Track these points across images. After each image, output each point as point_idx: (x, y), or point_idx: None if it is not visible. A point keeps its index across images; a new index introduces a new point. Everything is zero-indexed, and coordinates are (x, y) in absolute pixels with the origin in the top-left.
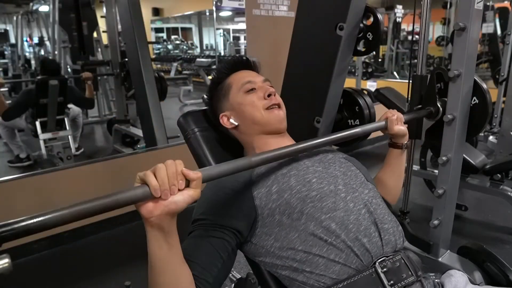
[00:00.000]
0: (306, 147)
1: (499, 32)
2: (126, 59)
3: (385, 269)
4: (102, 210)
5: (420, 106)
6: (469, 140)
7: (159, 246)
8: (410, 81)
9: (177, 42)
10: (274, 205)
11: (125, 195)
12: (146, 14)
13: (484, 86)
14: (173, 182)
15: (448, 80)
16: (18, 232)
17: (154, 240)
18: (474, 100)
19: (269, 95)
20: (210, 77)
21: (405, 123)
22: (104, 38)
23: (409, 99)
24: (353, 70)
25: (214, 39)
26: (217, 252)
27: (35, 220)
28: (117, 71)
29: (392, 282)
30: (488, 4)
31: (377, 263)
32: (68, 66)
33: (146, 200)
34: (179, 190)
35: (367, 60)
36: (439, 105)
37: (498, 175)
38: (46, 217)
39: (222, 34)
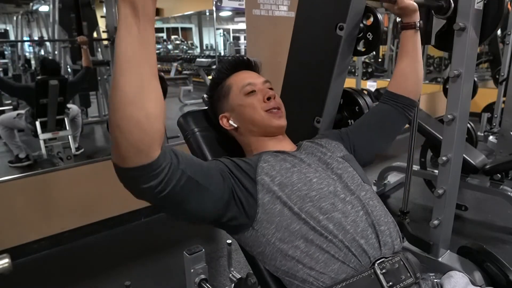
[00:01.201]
0: None
1: (499, 32)
2: None
3: (384, 271)
4: None
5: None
6: (469, 138)
7: (128, 31)
8: None
9: (177, 42)
10: (275, 196)
11: None
12: None
13: None
14: None
15: None
16: None
17: (123, 22)
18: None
19: (268, 98)
20: (210, 77)
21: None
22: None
23: None
24: (353, 70)
25: (214, 39)
26: (212, 173)
27: None
28: (113, 37)
29: (391, 283)
30: None
31: (376, 264)
32: (68, 66)
33: None
34: None
35: (367, 60)
36: (451, 0)
37: (498, 175)
38: None
39: (222, 34)
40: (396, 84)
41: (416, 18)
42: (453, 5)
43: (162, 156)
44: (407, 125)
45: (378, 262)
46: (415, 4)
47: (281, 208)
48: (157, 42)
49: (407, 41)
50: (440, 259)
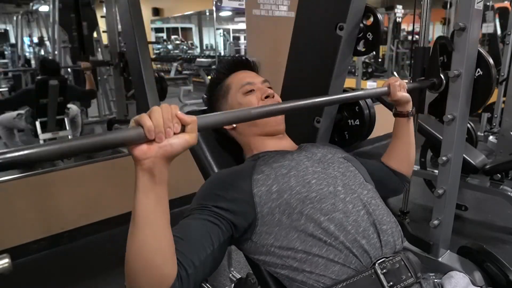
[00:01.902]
0: (306, 105)
1: (499, 32)
2: (124, 49)
3: (384, 271)
4: (93, 149)
5: (423, 78)
6: (469, 139)
7: (146, 196)
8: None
9: (177, 42)
10: (274, 205)
11: (118, 134)
12: (146, 14)
13: (490, 60)
14: (168, 125)
15: (451, 50)
16: (3, 164)
17: (142, 186)
18: (478, 72)
19: (267, 97)
20: (210, 77)
21: (407, 93)
22: (104, 38)
23: (411, 72)
24: (353, 70)
25: (214, 39)
26: (209, 236)
27: (21, 153)
28: (115, 61)
29: (391, 283)
30: (488, 4)
31: (376, 264)
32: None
33: (140, 142)
34: (174, 133)
35: (367, 60)
36: (442, 77)
37: (498, 175)
38: (33, 150)
39: (222, 34)
40: (389, 160)
41: (409, 107)
42: (445, 81)
43: (177, 275)
44: None
45: (378, 262)
46: (407, 96)
47: (280, 217)
48: (157, 42)
49: (400, 127)
50: (440, 259)
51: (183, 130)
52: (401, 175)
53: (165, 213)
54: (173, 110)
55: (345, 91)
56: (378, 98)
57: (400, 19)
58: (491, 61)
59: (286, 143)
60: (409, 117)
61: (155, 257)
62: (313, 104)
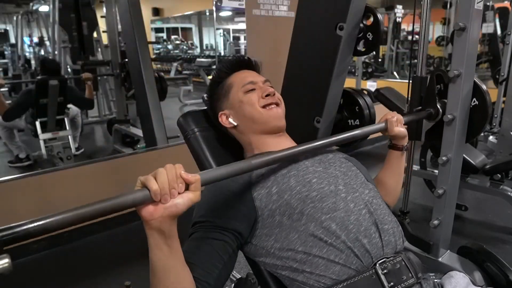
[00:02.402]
0: (306, 149)
1: (499, 32)
2: (126, 60)
3: (385, 271)
4: (103, 214)
5: (420, 107)
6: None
7: (160, 249)
8: (410, 82)
9: (177, 42)
10: (274, 206)
11: (126, 198)
12: (146, 14)
13: (484, 87)
14: (173, 186)
15: (447, 82)
16: (18, 236)
17: (154, 243)
18: (474, 102)
19: (267, 95)
20: (210, 77)
21: (405, 124)
22: (104, 38)
23: (409, 100)
24: (353, 70)
25: (214, 39)
26: (217, 254)
27: (35, 224)
28: (117, 72)
29: (392, 284)
30: (488, 4)
31: (377, 265)
32: (68, 66)
33: (147, 203)
34: (179, 193)
35: (367, 60)
36: (438, 107)
37: (498, 175)
38: (47, 221)
39: (222, 34)
40: (378, 186)
41: (404, 142)
42: (441, 111)
43: None
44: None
45: (379, 262)
46: (404, 131)
47: (280, 219)
48: (157, 42)
49: (393, 160)
50: (440, 259)
51: (187, 188)
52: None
53: (179, 256)
54: (177, 170)
55: (345, 91)
56: (378, 97)
57: (400, 19)
58: (484, 87)
59: (286, 142)
60: (403, 151)
61: None
62: (307, 149)
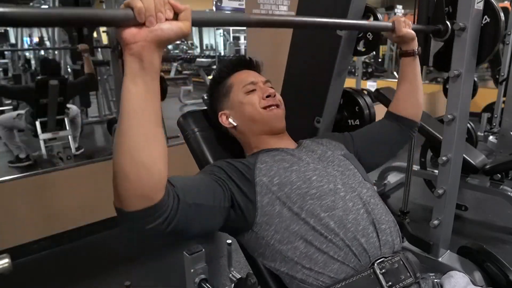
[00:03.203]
0: (310, 22)
1: None
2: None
3: (383, 270)
4: (78, 21)
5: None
6: (469, 139)
7: (134, 83)
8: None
9: (177, 42)
10: (274, 196)
11: (106, 12)
12: None
13: (496, 4)
14: (159, 9)
15: None
16: None
17: (130, 73)
18: (485, 19)
19: (268, 96)
20: (210, 77)
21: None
22: (104, 38)
23: (415, 21)
24: (353, 70)
25: (214, 39)
26: (212, 191)
27: (9, 10)
28: (113, 44)
29: (390, 283)
30: None
31: (375, 264)
32: (68, 66)
33: (129, 25)
34: (166, 20)
35: (367, 60)
36: (448, 23)
37: (498, 175)
38: (20, 10)
39: (222, 34)
40: (397, 106)
41: (415, 45)
42: (450, 28)
43: (165, 195)
44: None
45: (377, 262)
46: (412, 32)
47: (280, 209)
48: None
49: (406, 67)
50: (440, 259)
51: (176, 18)
52: (408, 121)
53: (155, 107)
54: None
55: (345, 91)
56: (378, 97)
57: None
58: (497, 5)
59: (286, 142)
60: (415, 56)
61: (141, 153)
62: (326, 23)
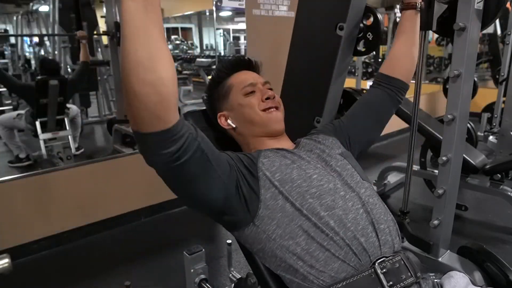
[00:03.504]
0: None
1: (499, 32)
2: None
3: (384, 270)
4: None
5: None
6: (469, 139)
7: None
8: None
9: (177, 42)
10: (277, 191)
11: None
12: None
13: None
14: None
15: None
16: None
17: None
18: None
19: (267, 98)
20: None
21: None
22: (104, 38)
23: None
24: (353, 70)
25: (214, 39)
26: (219, 153)
27: None
28: (112, 32)
29: (391, 283)
30: None
31: (376, 264)
32: (68, 66)
33: None
34: None
35: (367, 60)
36: None
37: (498, 175)
38: None
39: (222, 34)
40: (390, 65)
41: None
42: None
43: (181, 122)
44: (407, 125)
45: (378, 261)
46: None
47: (283, 204)
48: None
49: (406, 21)
50: (440, 259)
51: None
52: (399, 82)
53: (156, 22)
54: None
55: (345, 91)
56: None
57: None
58: None
59: (285, 143)
60: (417, 9)
61: (146, 72)
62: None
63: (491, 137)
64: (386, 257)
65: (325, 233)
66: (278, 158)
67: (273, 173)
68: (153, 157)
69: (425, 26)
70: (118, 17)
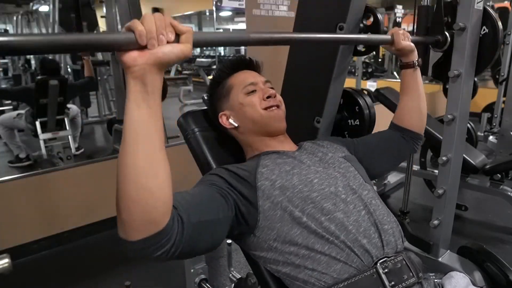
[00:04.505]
0: (309, 39)
1: None
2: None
3: (386, 270)
4: (78, 47)
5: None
6: (469, 139)
7: (137, 106)
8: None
9: None
10: (276, 200)
11: (108, 37)
12: None
13: (495, 14)
14: (161, 32)
15: (456, 4)
16: None
17: (133, 96)
18: (484, 30)
19: (268, 97)
20: (210, 77)
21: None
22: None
23: (414, 31)
24: (353, 70)
25: None
26: (215, 204)
27: (3, 38)
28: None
29: (393, 283)
30: (488, 4)
31: (378, 264)
32: (68, 66)
33: (130, 49)
34: (168, 42)
35: (367, 60)
36: (447, 34)
37: (498, 175)
38: (14, 38)
39: None
40: (400, 118)
41: (414, 57)
42: (449, 39)
43: (170, 219)
44: None
45: (380, 261)
46: (411, 44)
47: (282, 214)
48: None
49: (407, 79)
50: (440, 259)
51: (177, 41)
52: (412, 133)
53: (158, 130)
54: (167, 18)
55: (345, 91)
56: (378, 97)
57: (400, 19)
58: (495, 14)
59: (286, 144)
60: (415, 67)
61: (147, 178)
62: (322, 39)
63: (491, 137)
64: (388, 257)
65: (324, 238)
66: (277, 166)
67: (273, 181)
68: (150, 259)
69: (421, 71)
70: (118, 17)
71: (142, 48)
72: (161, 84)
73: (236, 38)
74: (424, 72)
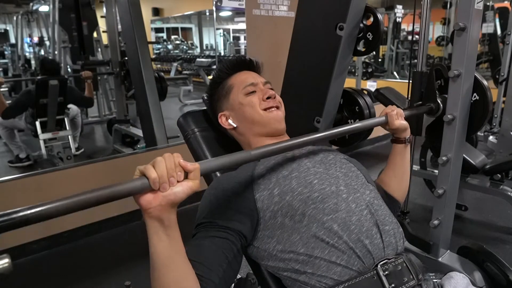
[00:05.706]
0: (306, 141)
1: (499, 32)
2: (126, 58)
3: (386, 272)
4: (100, 201)
5: (420, 102)
6: (469, 139)
7: (159, 239)
8: (410, 80)
9: (177, 42)
10: (276, 208)
11: (124, 186)
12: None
13: (485, 83)
14: (171, 174)
15: (447, 77)
16: (15, 223)
17: (154, 233)
18: (475, 97)
19: (268, 98)
20: (210, 77)
21: (405, 119)
22: (104, 38)
23: (409, 95)
24: (353, 70)
25: (214, 39)
26: (221, 252)
27: (33, 210)
28: (117, 70)
29: (393, 285)
30: (488, 4)
31: (378, 266)
32: (68, 66)
33: (145, 192)
34: (178, 182)
35: (367, 60)
36: (439, 102)
37: (498, 175)
38: (44, 207)
39: (222, 34)
40: (383, 184)
41: (407, 135)
42: (442, 106)
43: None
44: None
45: (381, 263)
46: (405, 123)
47: (282, 220)
48: (157, 42)
49: (396, 153)
50: (440, 259)
51: (186, 177)
52: (394, 200)
53: (180, 248)
54: (176, 159)
55: (345, 91)
56: (378, 97)
57: (400, 19)
58: (485, 83)
59: None
60: (406, 143)
61: (181, 285)
62: (306, 141)
63: (491, 137)
64: (389, 259)
65: (325, 242)
66: (274, 172)
67: (271, 190)
68: None
69: (415, 132)
70: (118, 17)
71: (156, 191)
72: (175, 217)
73: (240, 158)
74: (418, 133)
